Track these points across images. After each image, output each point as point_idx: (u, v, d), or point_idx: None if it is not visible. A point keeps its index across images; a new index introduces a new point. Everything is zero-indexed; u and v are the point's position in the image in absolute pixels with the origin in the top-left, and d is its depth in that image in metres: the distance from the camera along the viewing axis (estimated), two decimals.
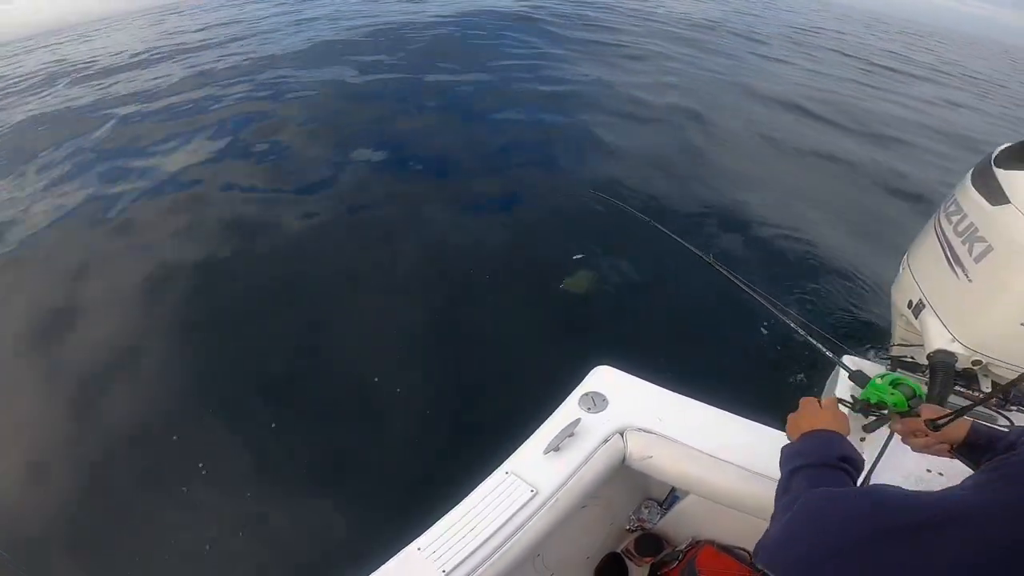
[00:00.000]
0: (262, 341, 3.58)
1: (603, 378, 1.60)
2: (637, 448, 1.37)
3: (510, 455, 1.36)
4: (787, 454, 1.06)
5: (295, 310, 3.83)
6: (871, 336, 3.53)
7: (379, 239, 4.55)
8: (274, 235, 4.58)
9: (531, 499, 1.20)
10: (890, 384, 1.43)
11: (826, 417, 1.08)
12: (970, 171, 2.19)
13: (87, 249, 4.83)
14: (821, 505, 0.78)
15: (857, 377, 1.75)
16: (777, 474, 1.01)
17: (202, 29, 16.00)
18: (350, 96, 7.86)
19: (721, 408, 1.55)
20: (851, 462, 0.96)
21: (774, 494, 0.97)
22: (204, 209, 5.11)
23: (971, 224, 1.97)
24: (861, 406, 1.51)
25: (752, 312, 3.53)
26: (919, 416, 1.18)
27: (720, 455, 1.35)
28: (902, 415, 1.33)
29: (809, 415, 1.11)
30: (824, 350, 2.04)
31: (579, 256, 4.09)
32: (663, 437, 1.38)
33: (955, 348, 1.91)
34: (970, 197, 2.04)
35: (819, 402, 1.15)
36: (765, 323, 3.56)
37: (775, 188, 5.89)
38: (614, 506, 1.68)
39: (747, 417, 1.54)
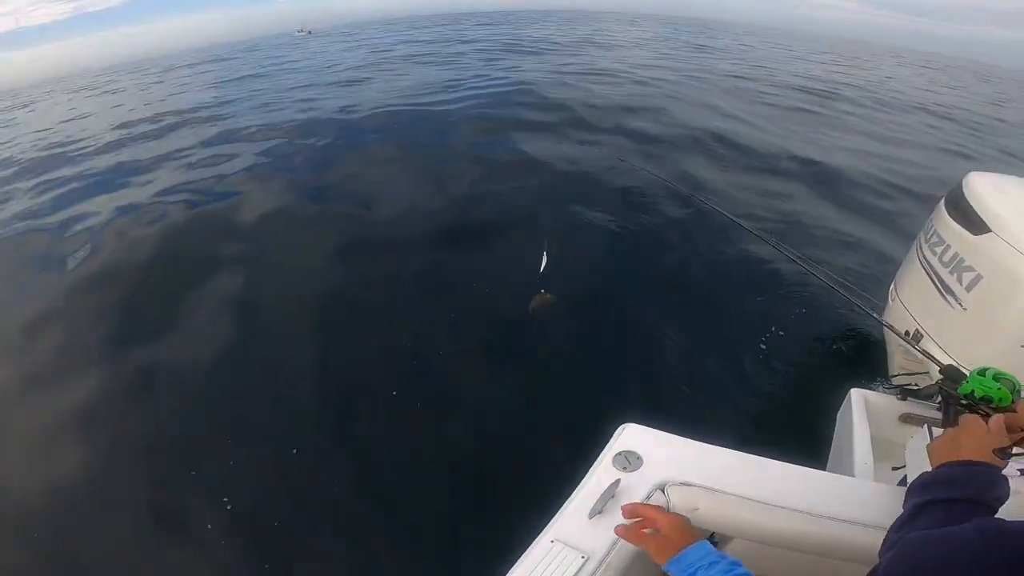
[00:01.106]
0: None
1: (632, 436, 1.54)
2: (681, 501, 1.33)
3: (547, 522, 1.30)
4: (936, 479, 0.93)
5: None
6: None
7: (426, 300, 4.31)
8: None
9: (583, 565, 1.13)
10: (992, 378, 1.36)
11: (994, 441, 0.94)
12: (943, 200, 2.33)
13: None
14: (924, 548, 0.72)
15: (949, 372, 1.70)
16: (821, 511, 0.95)
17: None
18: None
19: (751, 452, 1.53)
20: (1000, 503, 0.86)
21: (820, 529, 0.89)
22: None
23: (956, 254, 2.07)
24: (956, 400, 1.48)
25: (747, 344, 3.58)
26: (1015, 411, 1.11)
27: (763, 499, 1.33)
28: (1003, 411, 1.23)
29: (975, 439, 0.95)
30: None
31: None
32: (705, 488, 1.35)
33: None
34: (949, 227, 2.16)
35: (986, 423, 1.00)
36: (764, 349, 3.56)
37: None
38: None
39: (778, 458, 1.52)
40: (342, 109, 10.51)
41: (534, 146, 7.32)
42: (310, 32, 53.44)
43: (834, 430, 2.32)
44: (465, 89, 11.39)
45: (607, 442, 1.57)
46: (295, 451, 2.99)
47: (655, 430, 1.58)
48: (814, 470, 1.46)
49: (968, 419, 1.02)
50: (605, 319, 3.91)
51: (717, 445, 1.55)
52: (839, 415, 2.32)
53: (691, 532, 0.98)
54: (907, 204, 6.44)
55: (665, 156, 7.28)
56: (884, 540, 0.89)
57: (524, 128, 8.27)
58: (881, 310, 2.60)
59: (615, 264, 4.69)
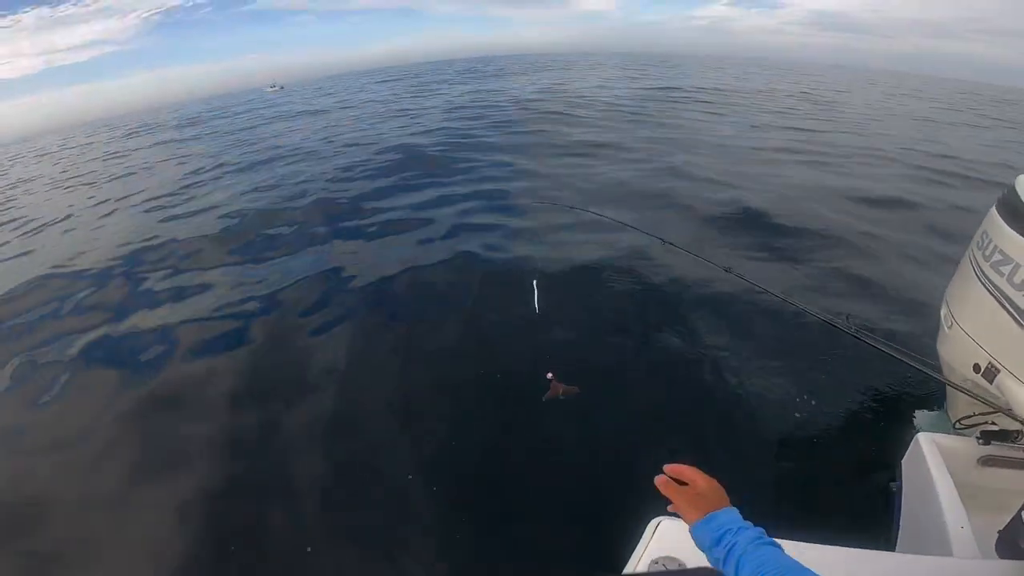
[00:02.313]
0: None
1: (668, 533, 1.33)
2: None
3: None
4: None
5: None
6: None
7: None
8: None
9: None
10: None
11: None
12: (994, 208, 1.97)
13: None
14: None
15: None
16: None
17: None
18: None
19: (802, 540, 1.26)
20: None
21: None
22: None
23: None
24: None
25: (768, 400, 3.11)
26: None
27: None
28: None
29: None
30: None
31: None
32: None
33: None
34: (1012, 240, 1.79)
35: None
36: (798, 416, 3.09)
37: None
38: None
39: (833, 541, 1.29)
40: None
41: None
42: (281, 88, 54.28)
43: (897, 492, 1.96)
44: None
45: (637, 541, 1.34)
46: None
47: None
48: (892, 554, 1.35)
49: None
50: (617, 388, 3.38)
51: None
52: (903, 467, 1.93)
53: (723, 497, 0.95)
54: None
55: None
56: None
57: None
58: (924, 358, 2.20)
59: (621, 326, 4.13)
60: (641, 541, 1.34)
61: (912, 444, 1.91)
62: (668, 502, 0.98)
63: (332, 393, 3.48)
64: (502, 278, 4.79)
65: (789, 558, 0.80)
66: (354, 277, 5.09)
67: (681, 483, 0.98)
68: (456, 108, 17.41)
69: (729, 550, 0.83)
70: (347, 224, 6.74)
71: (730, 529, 0.86)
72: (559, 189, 7.41)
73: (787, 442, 2.83)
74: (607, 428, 3.00)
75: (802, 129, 12.86)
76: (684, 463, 1.00)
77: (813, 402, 3.06)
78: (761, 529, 0.87)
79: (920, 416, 2.80)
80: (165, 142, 19.65)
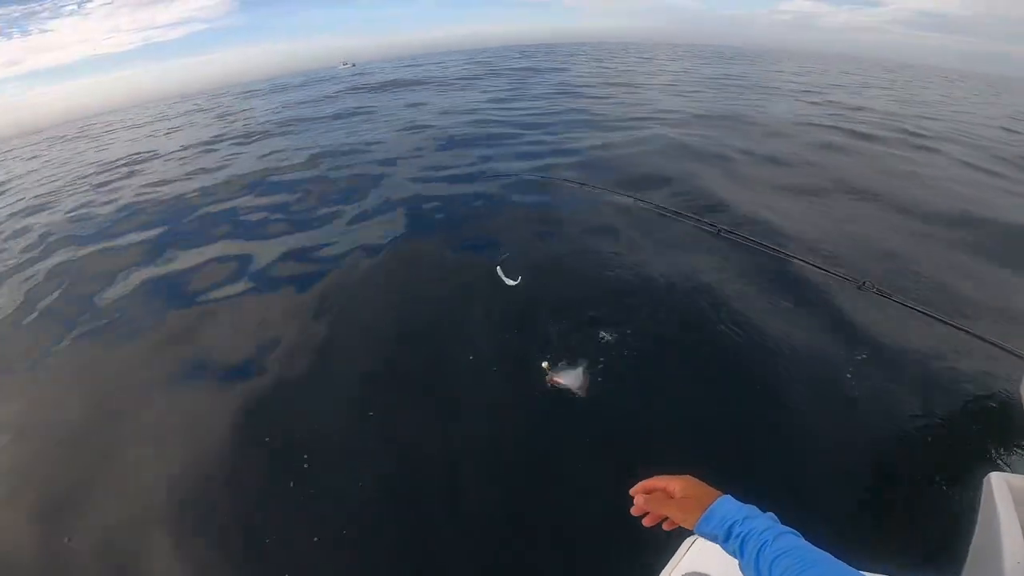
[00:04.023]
0: None
1: (701, 555, 1.27)
2: None
3: None
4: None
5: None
6: None
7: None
8: None
9: None
10: None
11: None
12: None
13: None
14: None
15: None
16: None
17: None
18: None
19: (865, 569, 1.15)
20: None
21: None
22: None
23: None
24: None
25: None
26: None
27: None
28: None
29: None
30: None
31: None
32: None
33: None
34: None
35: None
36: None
37: None
38: None
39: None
40: None
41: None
42: (353, 65, 55.97)
43: (974, 531, 1.90)
44: None
45: (667, 558, 1.29)
46: None
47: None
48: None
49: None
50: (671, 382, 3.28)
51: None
52: (980, 509, 1.87)
53: (707, 489, 0.92)
54: None
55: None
56: None
57: None
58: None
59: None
60: (674, 556, 1.31)
61: (984, 483, 1.87)
62: (660, 525, 0.94)
63: None
64: None
65: (811, 547, 0.76)
66: None
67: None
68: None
69: (743, 542, 0.81)
70: None
71: (736, 520, 0.83)
72: None
73: (857, 462, 2.72)
74: (657, 430, 2.92)
75: None
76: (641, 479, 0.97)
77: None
78: (772, 516, 0.84)
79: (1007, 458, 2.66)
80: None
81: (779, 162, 8.32)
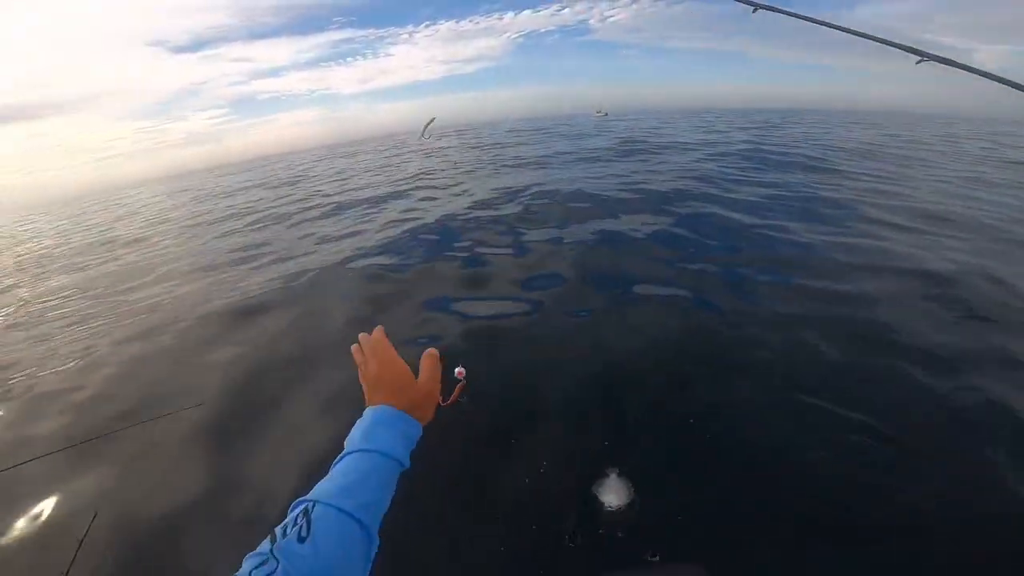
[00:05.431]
0: None
1: None
2: None
3: None
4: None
5: None
6: None
7: None
8: None
9: None
10: None
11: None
12: None
13: None
14: None
15: None
16: None
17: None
18: None
19: None
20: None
21: None
22: None
23: None
24: None
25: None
26: None
27: None
28: None
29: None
30: None
31: None
32: None
33: None
34: None
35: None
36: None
37: None
38: None
39: None
40: None
41: None
42: (606, 113, 58.62)
43: None
44: None
45: None
46: None
47: None
48: None
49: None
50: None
51: None
52: None
53: (407, 391, 0.78)
54: None
55: None
56: None
57: None
58: None
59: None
60: None
61: None
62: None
63: None
64: None
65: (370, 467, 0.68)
66: None
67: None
68: None
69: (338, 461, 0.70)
70: None
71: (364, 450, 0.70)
72: None
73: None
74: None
75: None
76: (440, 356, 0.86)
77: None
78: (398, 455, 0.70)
79: None
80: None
81: None
